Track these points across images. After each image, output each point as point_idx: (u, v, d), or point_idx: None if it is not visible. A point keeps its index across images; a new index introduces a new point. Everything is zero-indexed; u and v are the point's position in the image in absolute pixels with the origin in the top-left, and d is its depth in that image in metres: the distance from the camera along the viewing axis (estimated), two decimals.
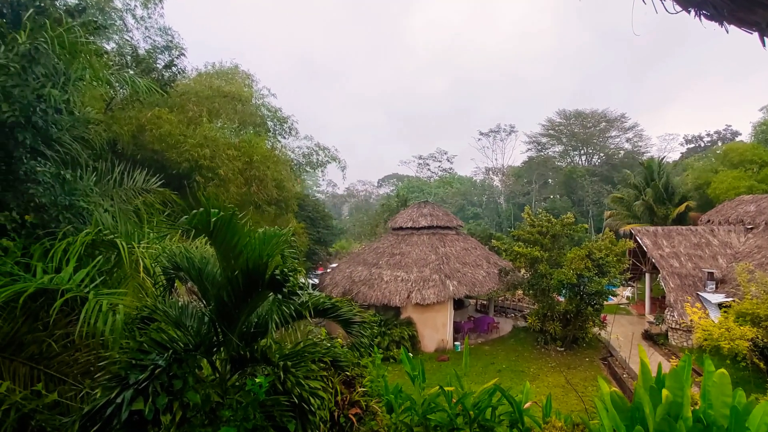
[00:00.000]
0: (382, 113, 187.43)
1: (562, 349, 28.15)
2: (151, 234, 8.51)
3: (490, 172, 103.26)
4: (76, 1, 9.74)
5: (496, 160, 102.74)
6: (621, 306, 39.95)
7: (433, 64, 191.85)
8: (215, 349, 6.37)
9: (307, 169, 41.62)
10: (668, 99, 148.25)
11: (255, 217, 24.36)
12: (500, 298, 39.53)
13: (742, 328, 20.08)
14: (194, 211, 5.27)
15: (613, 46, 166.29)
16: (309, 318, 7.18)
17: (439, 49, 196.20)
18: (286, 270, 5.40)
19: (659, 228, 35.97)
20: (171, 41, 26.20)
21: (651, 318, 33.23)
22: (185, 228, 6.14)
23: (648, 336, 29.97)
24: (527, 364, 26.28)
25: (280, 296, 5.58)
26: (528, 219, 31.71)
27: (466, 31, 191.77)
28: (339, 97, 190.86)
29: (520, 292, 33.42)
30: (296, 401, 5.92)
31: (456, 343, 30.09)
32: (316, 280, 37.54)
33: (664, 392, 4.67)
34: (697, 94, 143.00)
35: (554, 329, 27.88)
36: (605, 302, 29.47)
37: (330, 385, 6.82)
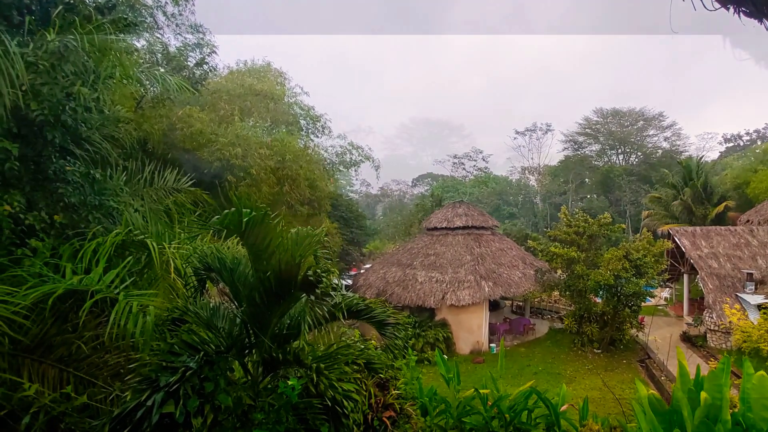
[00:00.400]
0: (418, 112, 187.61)
1: (599, 351, 27.79)
2: (182, 234, 8.51)
3: (526, 172, 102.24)
4: None
5: (532, 159, 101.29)
6: (659, 307, 39.30)
7: (469, 62, 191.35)
8: (247, 351, 6.35)
9: (341, 168, 41.35)
10: (707, 97, 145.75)
11: (287, 217, 24.33)
12: (536, 300, 39.10)
13: None
14: (226, 211, 5.23)
15: (650, 43, 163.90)
16: (342, 319, 7.15)
17: (475, 47, 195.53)
18: (319, 271, 5.32)
19: (698, 228, 35.40)
20: (202, 38, 26.30)
21: (689, 319, 32.70)
22: (217, 228, 6.07)
23: (686, 338, 29.56)
24: (564, 366, 26.02)
25: (312, 297, 5.52)
26: (564, 219, 31.42)
27: (503, 29, 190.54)
28: (374, 95, 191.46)
29: (556, 293, 33.06)
30: (329, 404, 5.86)
31: (491, 344, 29.83)
32: (350, 281, 37.45)
33: (703, 395, 4.67)
34: (735, 93, 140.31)
35: (591, 331, 27.48)
36: (643, 303, 29.16)
37: (363, 387, 6.72)
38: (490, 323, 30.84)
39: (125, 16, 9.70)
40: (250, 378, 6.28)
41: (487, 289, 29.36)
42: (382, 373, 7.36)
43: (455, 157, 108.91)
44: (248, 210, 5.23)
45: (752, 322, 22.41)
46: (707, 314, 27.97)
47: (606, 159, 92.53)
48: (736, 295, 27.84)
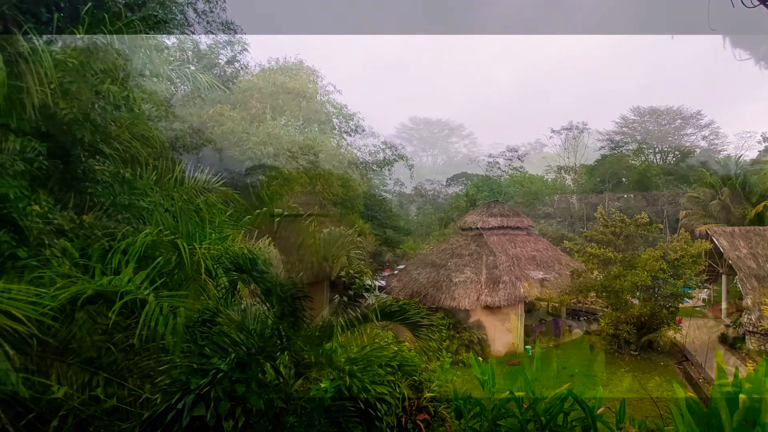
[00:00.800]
0: (450, 109, 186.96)
1: (636, 353, 27.42)
2: (213, 234, 8.47)
3: (562, 171, 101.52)
4: None
5: (568, 158, 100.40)
6: (697, 309, 38.71)
7: (503, 59, 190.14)
8: (279, 353, 6.29)
9: (374, 167, 41.28)
10: (745, 96, 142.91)
11: (320, 217, 24.30)
12: (572, 301, 38.69)
13: None
14: (257, 210, 5.13)
15: (688, 40, 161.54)
16: (375, 321, 7.02)
17: (509, 44, 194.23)
18: (352, 272, 5.21)
19: (736, 228, 34.80)
20: (233, 36, 26.25)
21: (728, 321, 32.17)
22: (248, 228, 5.97)
23: (724, 339, 29.03)
24: (600, 368, 25.68)
25: (345, 299, 5.40)
26: (601, 219, 31.14)
27: (538, 26, 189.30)
28: (406, 93, 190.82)
29: (592, 294, 32.67)
30: (362, 407, 5.85)
31: (527, 346, 29.55)
32: (383, 282, 37.32)
33: (741, 397, 4.58)
34: None
35: (628, 333, 27.05)
36: (680, 305, 28.73)
37: (397, 390, 6.72)
38: (525, 325, 30.62)
39: (155, 14, 9.75)
40: (282, 380, 6.20)
41: (522, 290, 29.10)
42: (416, 376, 7.33)
43: (490, 156, 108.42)
44: (280, 210, 5.15)
45: None
46: (746, 316, 27.49)
47: (643, 158, 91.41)
48: None
